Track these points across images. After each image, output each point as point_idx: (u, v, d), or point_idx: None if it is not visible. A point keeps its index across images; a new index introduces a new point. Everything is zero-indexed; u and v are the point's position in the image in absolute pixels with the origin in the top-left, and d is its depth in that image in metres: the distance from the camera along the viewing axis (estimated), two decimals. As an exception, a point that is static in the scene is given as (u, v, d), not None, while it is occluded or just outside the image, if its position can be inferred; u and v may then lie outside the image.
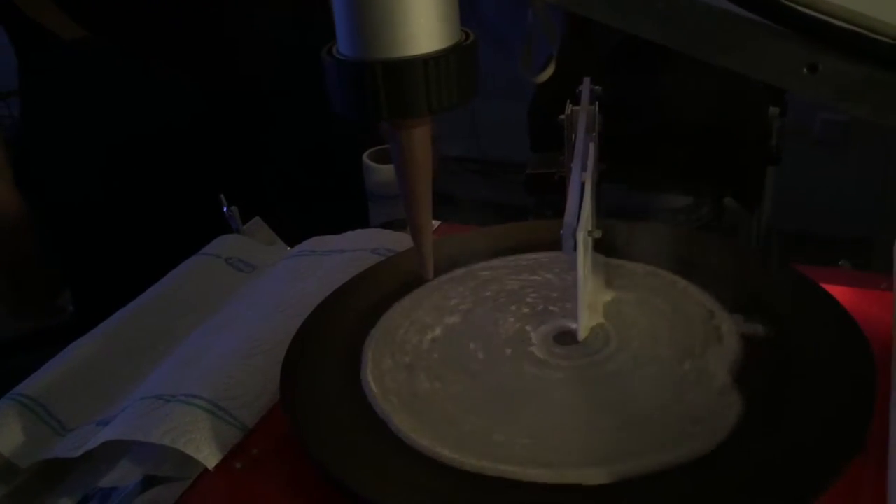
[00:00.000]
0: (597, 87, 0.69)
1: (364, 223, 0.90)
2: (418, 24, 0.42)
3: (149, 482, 0.55)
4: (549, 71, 0.52)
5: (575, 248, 0.53)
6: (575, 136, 0.63)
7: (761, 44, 0.37)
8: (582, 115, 0.60)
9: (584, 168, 0.57)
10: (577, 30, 1.32)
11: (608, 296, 0.64)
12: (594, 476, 0.47)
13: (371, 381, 0.57)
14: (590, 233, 0.57)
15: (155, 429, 0.54)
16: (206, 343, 0.65)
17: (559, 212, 0.74)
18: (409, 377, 0.57)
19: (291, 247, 0.83)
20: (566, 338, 0.60)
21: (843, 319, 0.57)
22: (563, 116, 0.69)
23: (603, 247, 0.67)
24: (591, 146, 0.60)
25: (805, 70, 0.37)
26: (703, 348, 0.56)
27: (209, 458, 0.54)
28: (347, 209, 0.95)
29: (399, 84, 0.42)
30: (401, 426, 0.52)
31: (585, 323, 0.59)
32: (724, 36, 0.37)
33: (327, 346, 0.61)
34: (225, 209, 0.83)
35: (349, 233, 0.80)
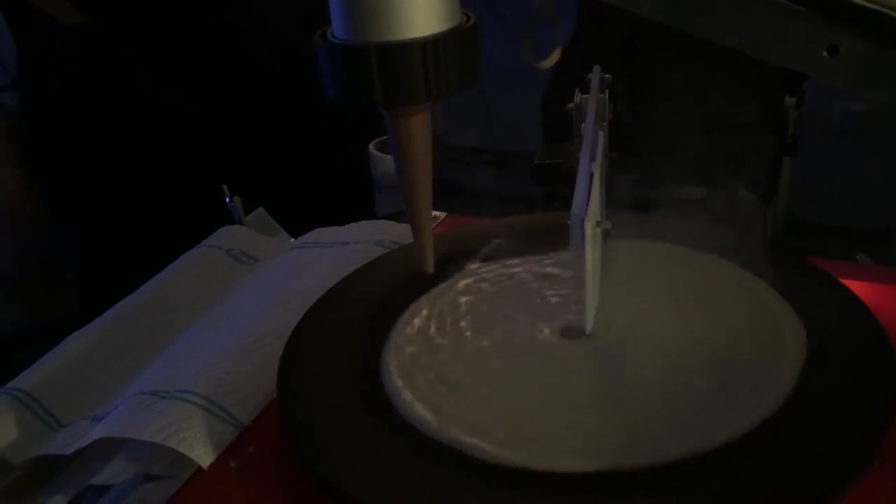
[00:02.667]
0: (607, 76, 0.67)
1: (370, 214, 0.89)
2: (416, 6, 0.40)
3: (143, 480, 0.54)
4: (554, 57, 0.50)
5: (583, 239, 0.51)
6: (584, 126, 0.61)
7: (779, 25, 0.34)
8: (591, 104, 0.58)
9: (592, 158, 0.55)
10: (591, 18, 1.30)
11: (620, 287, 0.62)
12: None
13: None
14: (598, 223, 0.55)
15: (148, 426, 0.53)
16: (203, 337, 0.64)
17: (567, 203, 0.72)
18: (419, 375, 0.55)
19: (295, 238, 0.81)
20: (573, 332, 0.58)
21: (863, 317, 0.55)
22: (571, 105, 0.67)
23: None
24: (601, 135, 0.58)
25: (825, 53, 0.34)
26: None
27: (203, 456, 0.52)
28: (353, 199, 0.94)
29: (396, 69, 0.40)
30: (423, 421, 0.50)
31: (592, 316, 0.57)
32: (739, 17, 0.35)
33: (327, 342, 0.59)
34: (227, 200, 0.82)
35: (352, 224, 0.78)
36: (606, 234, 0.65)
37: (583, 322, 0.57)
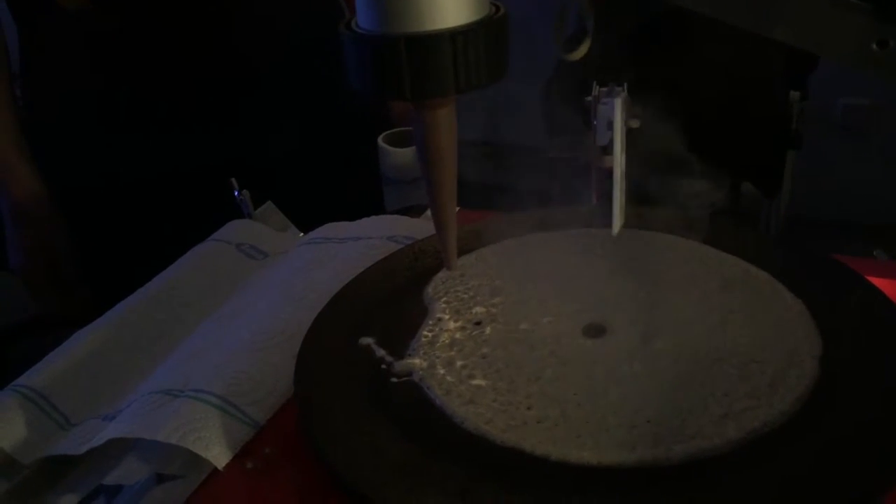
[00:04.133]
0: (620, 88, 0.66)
1: (379, 208, 0.87)
2: (445, -5, 0.38)
3: (156, 480, 0.53)
4: (584, 49, 0.49)
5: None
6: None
7: (828, 18, 0.33)
8: (619, 104, 0.58)
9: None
10: (597, 10, 1.29)
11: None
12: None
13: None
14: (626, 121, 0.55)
15: (162, 426, 0.52)
16: (216, 335, 0.62)
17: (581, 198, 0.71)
18: (441, 370, 0.54)
19: (304, 233, 0.80)
20: (594, 330, 0.57)
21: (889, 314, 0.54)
22: (589, 98, 0.66)
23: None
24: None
25: (874, 46, 0.33)
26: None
27: (219, 457, 0.51)
28: (362, 193, 0.92)
29: (424, 61, 0.39)
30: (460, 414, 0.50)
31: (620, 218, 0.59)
32: (788, 10, 0.33)
33: (344, 339, 0.58)
34: (236, 193, 0.80)
35: (364, 220, 0.77)
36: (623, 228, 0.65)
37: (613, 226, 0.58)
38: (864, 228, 1.91)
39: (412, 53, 0.39)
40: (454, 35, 0.39)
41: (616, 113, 0.55)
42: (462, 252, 0.67)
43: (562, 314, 0.59)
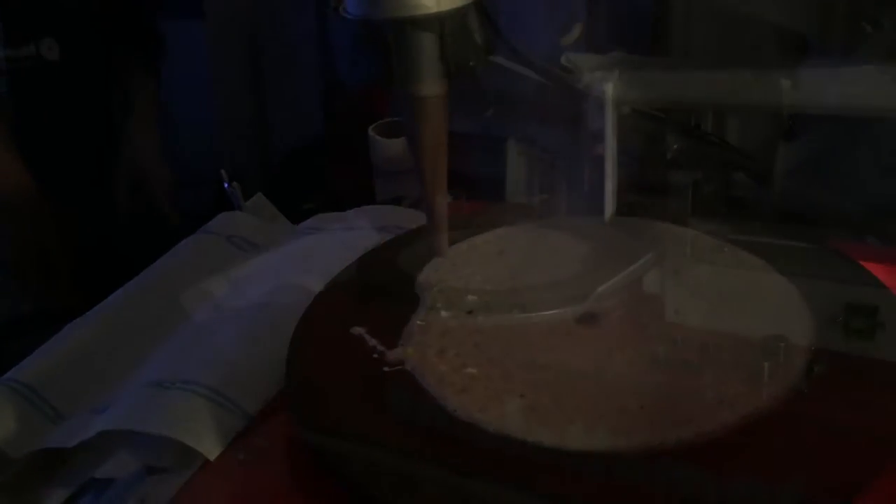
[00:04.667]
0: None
1: (370, 199, 0.87)
2: (433, -22, 0.38)
3: (147, 472, 0.52)
4: (576, 33, 0.49)
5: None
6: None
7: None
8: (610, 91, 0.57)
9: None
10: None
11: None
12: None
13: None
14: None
15: (153, 418, 0.51)
16: (206, 326, 0.62)
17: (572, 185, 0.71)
18: (433, 359, 0.54)
19: (295, 224, 0.80)
20: (586, 318, 0.57)
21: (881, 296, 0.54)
22: (581, 85, 0.66)
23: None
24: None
25: (869, 27, 0.33)
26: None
27: (210, 448, 0.51)
28: (352, 184, 0.92)
29: (412, 45, 0.39)
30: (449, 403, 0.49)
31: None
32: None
33: (335, 329, 0.57)
34: (226, 185, 0.80)
35: (354, 210, 0.77)
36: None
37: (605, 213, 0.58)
38: (857, 215, 1.92)
39: (400, 38, 0.39)
40: (443, 19, 0.39)
41: (607, 99, 0.55)
42: (454, 241, 0.66)
43: (554, 302, 0.58)
